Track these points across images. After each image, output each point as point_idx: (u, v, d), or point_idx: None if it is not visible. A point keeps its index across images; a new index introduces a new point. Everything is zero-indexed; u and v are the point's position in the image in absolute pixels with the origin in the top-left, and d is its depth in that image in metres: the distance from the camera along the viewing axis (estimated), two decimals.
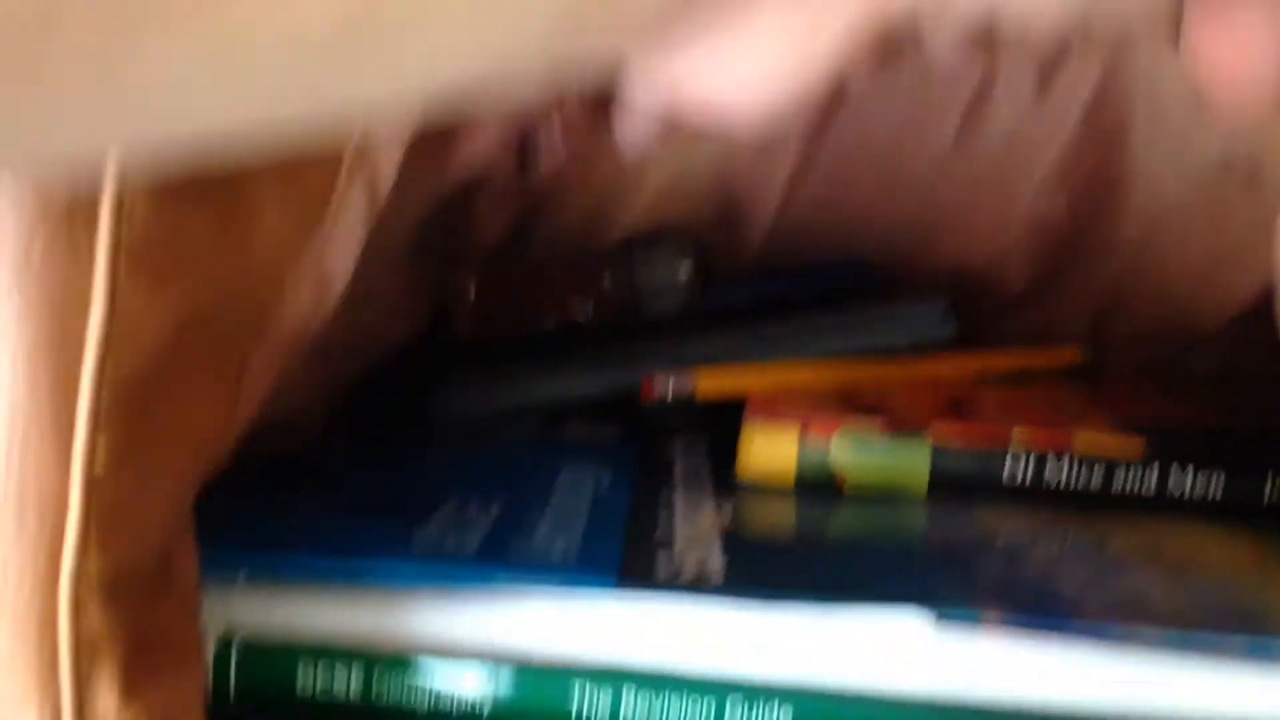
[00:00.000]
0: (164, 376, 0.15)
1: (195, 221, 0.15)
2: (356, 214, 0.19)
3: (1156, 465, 0.29)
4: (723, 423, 0.32)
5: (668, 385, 0.33)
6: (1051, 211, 0.39)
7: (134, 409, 0.15)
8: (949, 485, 0.30)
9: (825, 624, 0.22)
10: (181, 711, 0.16)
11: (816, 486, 0.30)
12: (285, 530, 0.24)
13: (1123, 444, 0.30)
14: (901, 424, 0.31)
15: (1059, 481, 0.30)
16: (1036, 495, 0.30)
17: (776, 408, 0.32)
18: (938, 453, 0.30)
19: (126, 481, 0.15)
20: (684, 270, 0.40)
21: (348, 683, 0.22)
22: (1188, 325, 0.41)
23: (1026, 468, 0.30)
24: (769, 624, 0.22)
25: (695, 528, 0.26)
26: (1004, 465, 0.30)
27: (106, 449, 0.14)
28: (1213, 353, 0.42)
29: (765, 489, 0.30)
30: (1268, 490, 0.29)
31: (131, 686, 0.15)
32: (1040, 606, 0.22)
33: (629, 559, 0.24)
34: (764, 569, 0.24)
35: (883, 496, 0.30)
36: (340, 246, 0.19)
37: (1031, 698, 0.21)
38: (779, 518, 0.28)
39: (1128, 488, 0.30)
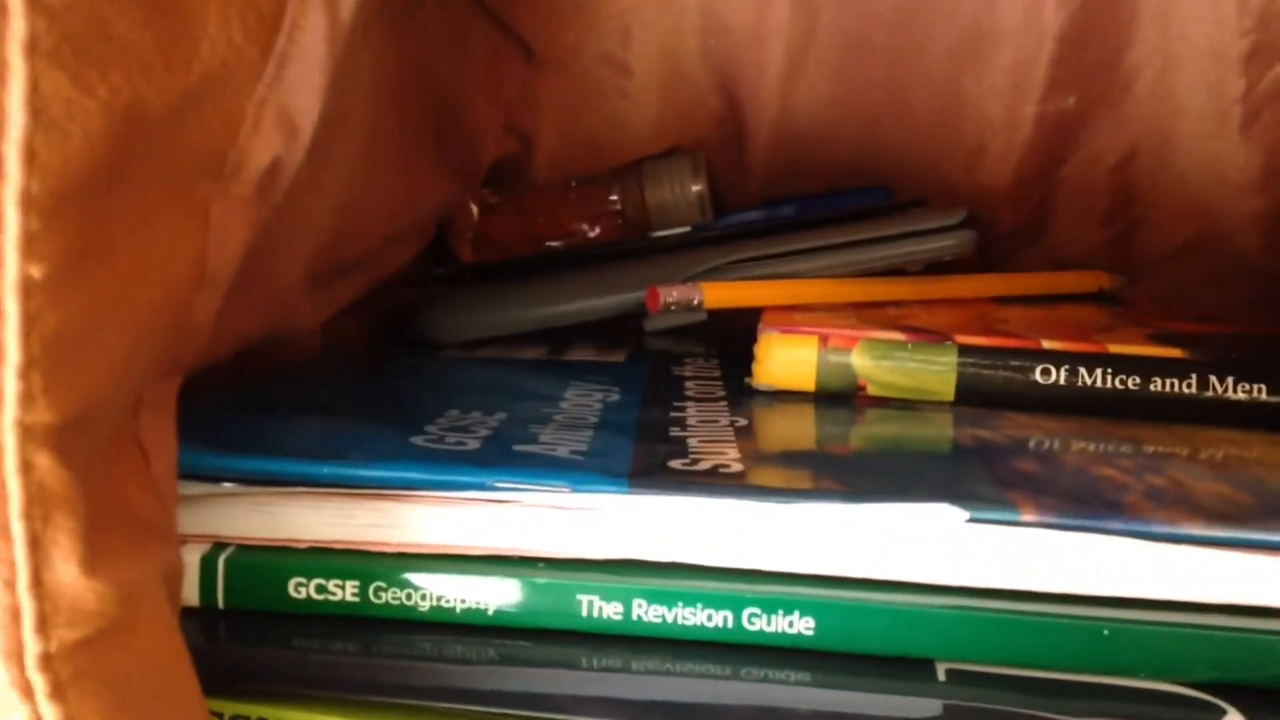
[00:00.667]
0: (110, 184, 0.13)
1: (118, 16, 0.13)
2: (315, 36, 0.17)
3: (1195, 373, 0.28)
4: (734, 344, 0.31)
5: (673, 296, 0.31)
6: (1062, 108, 0.37)
7: (78, 212, 0.13)
8: (977, 392, 0.28)
9: (851, 521, 0.20)
10: (149, 596, 0.15)
11: (837, 394, 0.29)
12: (279, 436, 0.22)
13: (1160, 351, 0.28)
14: (929, 333, 0.29)
15: (1095, 386, 0.28)
16: (1070, 402, 0.28)
17: (792, 321, 0.30)
18: (965, 358, 0.28)
19: (74, 310, 0.13)
20: (695, 186, 0.39)
21: (343, 590, 0.20)
22: (1210, 239, 0.39)
23: (1059, 373, 0.28)
24: (791, 522, 0.20)
25: (710, 431, 0.25)
26: (1035, 370, 0.28)
27: (46, 253, 0.12)
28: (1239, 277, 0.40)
29: (783, 397, 0.28)
30: None
31: (93, 558, 0.13)
32: (1078, 504, 0.21)
33: (640, 458, 0.22)
34: (784, 469, 0.22)
35: (907, 404, 0.28)
36: (301, 75, 0.17)
37: (1068, 589, 0.20)
38: (799, 422, 0.26)
39: (1168, 391, 0.28)
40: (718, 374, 0.31)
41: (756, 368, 0.29)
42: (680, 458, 0.22)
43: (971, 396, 0.28)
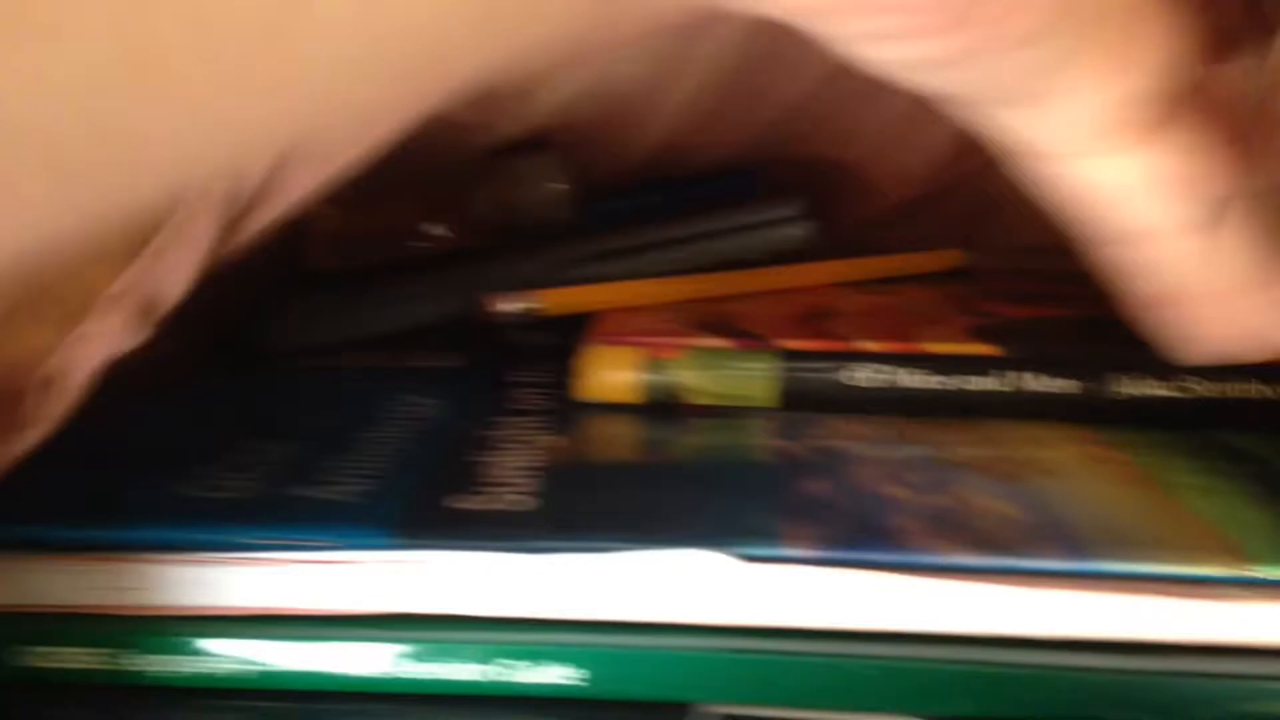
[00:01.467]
0: None
1: None
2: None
3: (1006, 369, 0.27)
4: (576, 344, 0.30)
5: (508, 304, 0.31)
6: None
7: None
8: (799, 397, 0.28)
9: (613, 568, 0.20)
10: None
11: (661, 405, 0.28)
12: (18, 494, 0.21)
13: (975, 350, 0.28)
14: (752, 338, 0.28)
15: (910, 387, 0.28)
16: (887, 403, 0.28)
17: (618, 328, 0.29)
18: (786, 365, 0.28)
19: None
20: (561, 182, 0.37)
21: (91, 658, 0.20)
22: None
23: (875, 375, 0.28)
24: (553, 571, 0.20)
25: (516, 456, 0.24)
26: (851, 373, 0.28)
27: None
28: None
29: (608, 410, 0.28)
30: (1117, 390, 0.27)
31: None
32: (848, 535, 0.20)
33: (420, 500, 0.22)
34: (573, 504, 0.22)
35: (730, 412, 0.28)
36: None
37: (847, 622, 0.20)
38: (606, 445, 0.26)
39: (980, 389, 0.27)
40: (553, 381, 0.30)
41: (579, 382, 0.28)
42: (467, 493, 0.22)
43: (794, 402, 0.28)
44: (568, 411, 0.28)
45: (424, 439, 0.25)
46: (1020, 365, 0.27)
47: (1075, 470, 0.24)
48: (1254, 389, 0.26)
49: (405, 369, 0.31)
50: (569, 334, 0.30)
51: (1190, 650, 0.19)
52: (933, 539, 0.20)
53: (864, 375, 0.28)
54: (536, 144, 0.38)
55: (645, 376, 0.28)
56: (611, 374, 0.28)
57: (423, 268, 0.33)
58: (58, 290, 0.23)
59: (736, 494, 0.22)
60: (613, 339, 0.28)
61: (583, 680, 0.20)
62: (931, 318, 0.31)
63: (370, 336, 0.32)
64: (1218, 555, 0.20)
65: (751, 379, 0.28)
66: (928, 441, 0.25)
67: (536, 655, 0.20)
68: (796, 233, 0.35)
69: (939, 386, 0.28)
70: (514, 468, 0.23)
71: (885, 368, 0.28)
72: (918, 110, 0.37)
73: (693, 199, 0.37)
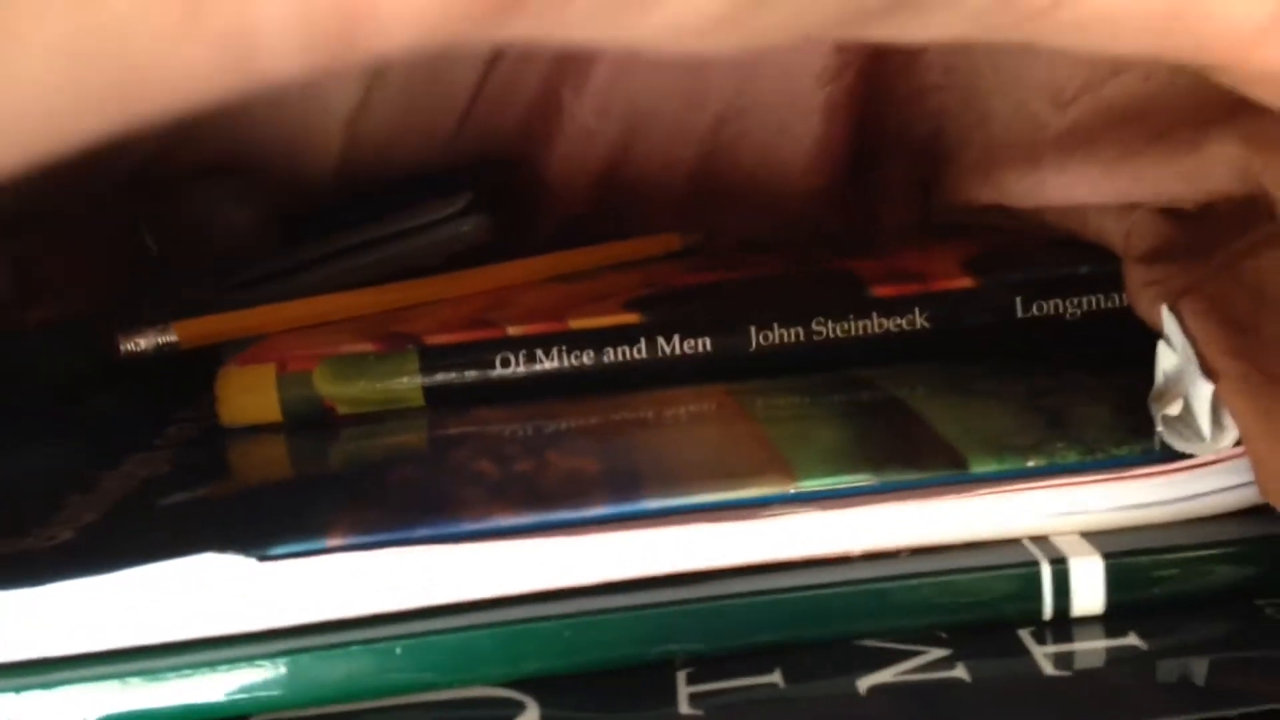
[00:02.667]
0: None
1: None
2: None
3: (644, 338, 0.26)
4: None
5: (139, 341, 0.29)
6: None
7: None
8: (446, 393, 0.26)
9: (133, 587, 0.18)
10: None
11: (308, 420, 0.26)
12: None
13: (618, 320, 0.27)
14: (396, 340, 0.27)
15: (554, 366, 0.26)
16: (535, 386, 0.26)
17: (263, 348, 0.28)
18: (427, 362, 0.27)
19: None
20: (245, 208, 0.36)
21: None
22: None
23: (519, 359, 0.26)
24: (58, 604, 0.18)
25: (108, 495, 0.22)
26: (495, 361, 0.26)
27: None
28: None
29: (250, 433, 0.26)
30: (753, 344, 0.26)
31: None
32: (392, 516, 0.19)
33: None
34: (124, 533, 0.20)
35: (377, 417, 0.26)
36: None
37: (373, 610, 0.18)
38: (216, 466, 0.24)
39: (621, 359, 0.26)
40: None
41: (219, 406, 0.27)
42: (15, 535, 0.20)
43: (442, 398, 0.27)
44: (207, 440, 0.26)
45: (17, 488, 0.23)
46: (656, 330, 0.26)
47: (678, 420, 0.22)
48: (876, 323, 0.26)
49: (71, 416, 0.29)
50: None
51: (750, 572, 0.18)
52: (489, 505, 0.19)
53: (508, 361, 0.27)
54: (217, 171, 0.36)
55: (283, 393, 0.26)
56: (247, 396, 0.26)
57: (67, 315, 0.31)
58: None
59: (309, 500, 0.21)
60: (246, 359, 0.27)
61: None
62: (600, 298, 0.30)
63: (23, 388, 0.30)
64: (767, 477, 0.19)
65: (393, 381, 0.27)
66: (557, 417, 0.24)
67: (56, 685, 0.18)
68: (465, 229, 0.33)
69: (582, 363, 0.26)
70: (93, 504, 0.22)
71: (528, 350, 0.27)
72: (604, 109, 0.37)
73: (387, 211, 0.35)
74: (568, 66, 0.33)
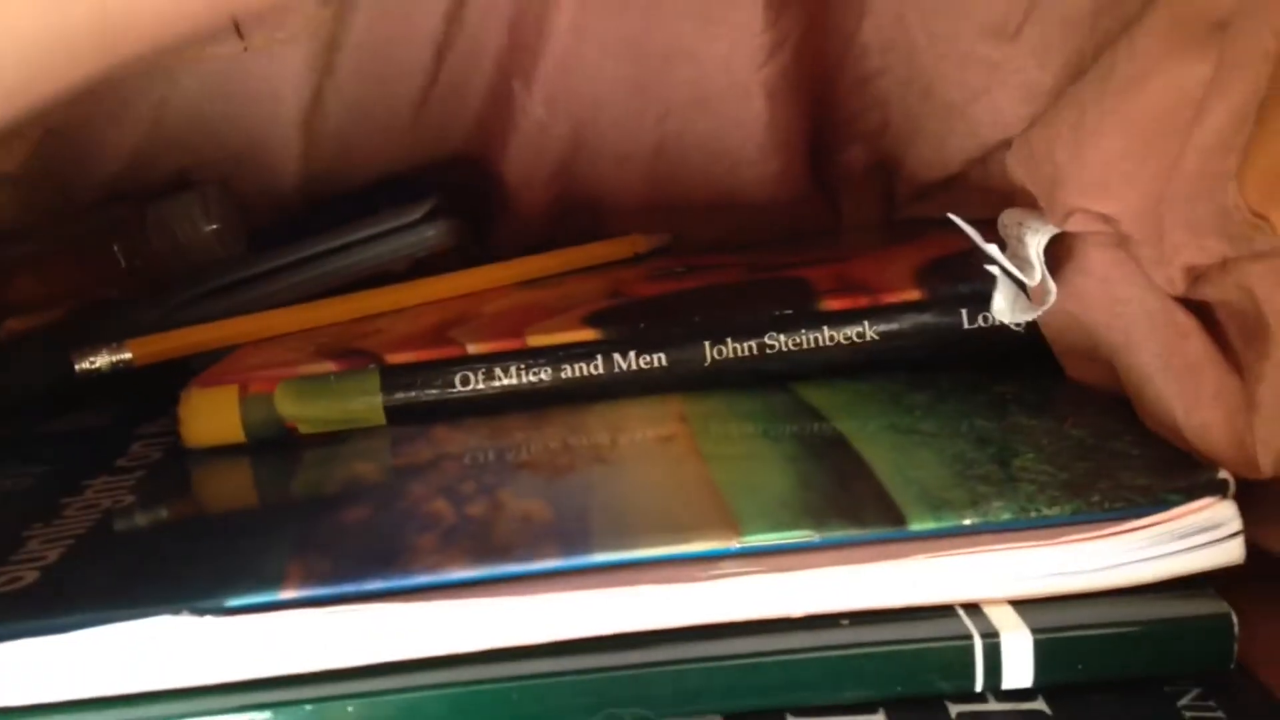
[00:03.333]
0: None
1: None
2: None
3: (600, 353, 0.26)
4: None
5: (93, 360, 0.28)
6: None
7: None
8: (407, 411, 0.26)
9: (88, 642, 0.18)
10: None
11: (270, 440, 0.26)
12: None
13: (575, 336, 0.27)
14: (358, 358, 0.27)
15: (513, 383, 0.26)
16: (494, 402, 0.26)
17: (227, 368, 0.28)
18: (388, 381, 0.26)
19: None
20: (208, 221, 0.35)
21: None
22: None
23: (478, 377, 0.26)
24: (24, 653, 0.18)
25: (70, 522, 0.22)
26: (455, 379, 0.26)
27: None
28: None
29: (212, 455, 0.26)
30: (707, 359, 0.26)
31: None
32: (348, 565, 0.19)
33: None
34: (76, 576, 0.20)
35: (338, 437, 0.26)
36: None
37: (329, 664, 0.18)
38: (176, 494, 0.24)
39: (579, 375, 0.26)
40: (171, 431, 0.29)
41: (181, 428, 0.26)
42: None
43: (403, 416, 0.27)
44: (170, 463, 0.26)
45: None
46: (613, 347, 0.26)
47: (630, 455, 0.23)
48: (827, 336, 0.26)
49: (34, 437, 0.29)
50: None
51: (694, 634, 0.18)
52: (438, 555, 0.19)
53: (467, 380, 0.26)
54: (184, 184, 0.36)
55: (245, 415, 0.26)
56: (210, 418, 0.26)
57: (27, 333, 0.30)
58: None
59: (265, 537, 0.21)
60: (209, 381, 0.27)
61: None
62: (561, 309, 0.30)
63: None
64: (712, 530, 0.19)
65: (354, 402, 0.26)
66: (514, 440, 0.24)
67: None
68: (430, 235, 0.33)
69: (540, 379, 0.26)
70: (56, 539, 0.22)
71: (486, 368, 0.26)
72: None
73: (351, 217, 0.35)
74: (516, 56, 0.32)
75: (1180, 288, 0.20)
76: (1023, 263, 0.23)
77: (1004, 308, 0.22)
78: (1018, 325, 0.24)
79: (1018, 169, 0.25)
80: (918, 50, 0.31)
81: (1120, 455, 0.19)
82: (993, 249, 0.24)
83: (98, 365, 0.28)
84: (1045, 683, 0.16)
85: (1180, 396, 0.20)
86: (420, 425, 0.26)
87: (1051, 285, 0.22)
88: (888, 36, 0.32)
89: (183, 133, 0.33)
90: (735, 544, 0.18)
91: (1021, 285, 0.24)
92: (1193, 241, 0.19)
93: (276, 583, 0.19)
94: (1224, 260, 0.19)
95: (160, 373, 0.30)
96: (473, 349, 0.27)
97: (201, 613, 0.18)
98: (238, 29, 0.29)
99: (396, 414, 0.27)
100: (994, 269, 0.24)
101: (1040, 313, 0.23)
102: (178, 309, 0.31)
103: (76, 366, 0.28)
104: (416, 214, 0.32)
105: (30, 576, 0.20)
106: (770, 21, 0.31)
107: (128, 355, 0.28)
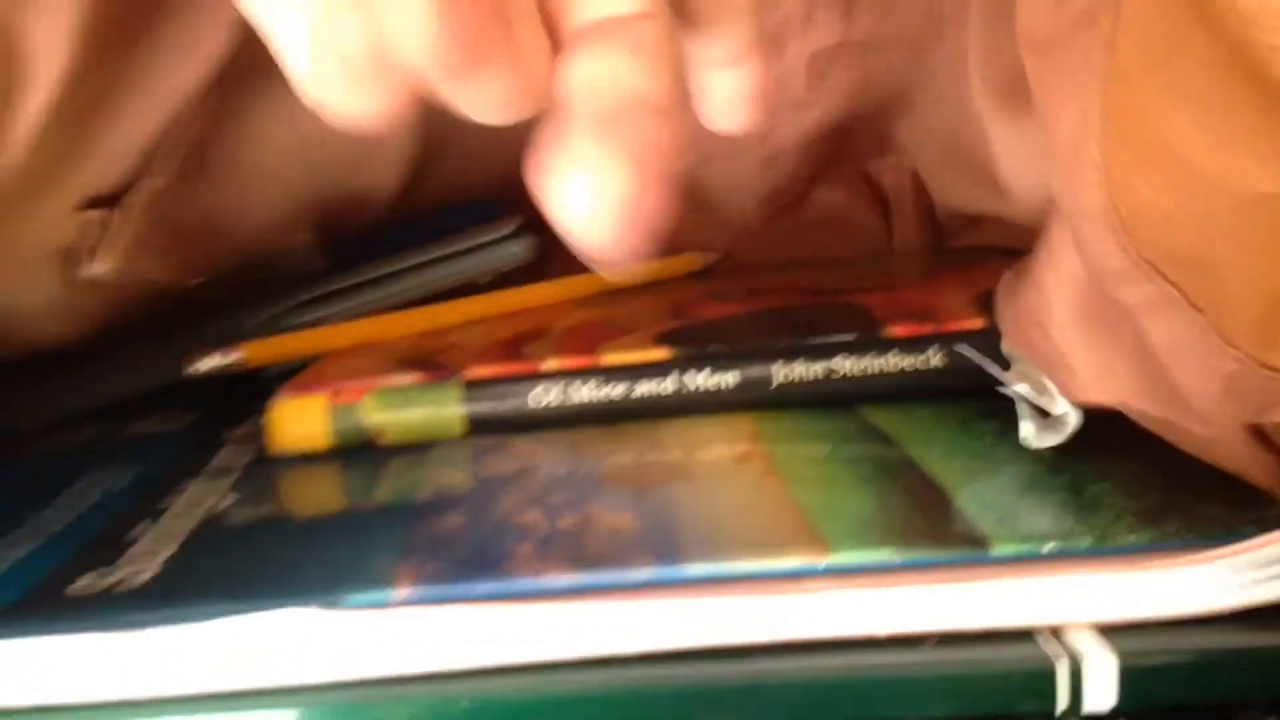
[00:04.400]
0: None
1: None
2: None
3: (673, 372, 0.27)
4: None
5: (209, 362, 0.29)
6: None
7: None
8: (487, 423, 0.27)
9: (219, 635, 0.19)
10: None
11: (356, 448, 0.27)
12: None
13: (648, 355, 0.27)
14: (440, 370, 0.28)
15: (587, 401, 0.27)
16: (569, 417, 0.27)
17: (314, 377, 0.28)
18: (469, 394, 0.27)
19: None
20: (301, 235, 0.36)
21: None
22: None
23: (554, 393, 0.27)
24: (141, 649, 0.19)
25: (175, 524, 0.23)
26: (531, 394, 0.27)
27: None
28: None
29: (301, 461, 0.27)
30: (775, 378, 0.27)
31: None
32: (457, 569, 0.20)
33: (43, 586, 0.20)
34: (196, 573, 0.21)
35: (422, 446, 0.27)
36: None
37: (440, 667, 0.19)
38: (277, 498, 0.25)
39: (651, 395, 0.27)
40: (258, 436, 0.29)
41: (269, 435, 0.27)
42: (96, 572, 0.21)
43: (482, 428, 0.27)
44: (262, 467, 0.27)
45: (87, 517, 0.24)
46: (685, 365, 0.27)
47: (710, 472, 0.23)
48: (891, 362, 0.26)
49: (123, 439, 0.30)
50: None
51: (783, 650, 0.18)
52: (539, 563, 0.20)
53: (544, 394, 0.27)
54: None
55: (333, 423, 0.27)
56: (299, 425, 0.27)
57: (133, 336, 0.31)
58: None
59: (368, 540, 0.21)
60: (297, 390, 0.27)
61: None
62: (631, 327, 0.30)
63: (82, 412, 0.31)
64: (799, 546, 0.19)
65: (437, 412, 0.27)
66: (593, 454, 0.25)
67: None
68: (515, 250, 0.34)
69: (614, 396, 0.27)
70: (165, 537, 0.22)
71: (562, 384, 0.27)
72: None
73: (428, 233, 0.36)
74: None
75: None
76: (1042, 389, 0.23)
77: (1029, 434, 0.23)
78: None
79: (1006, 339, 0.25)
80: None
81: (1191, 486, 0.20)
82: (1016, 385, 0.24)
83: (209, 368, 0.29)
84: (1125, 707, 0.17)
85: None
86: (498, 437, 0.27)
87: (1073, 414, 0.22)
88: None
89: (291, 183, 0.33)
90: (823, 562, 0.19)
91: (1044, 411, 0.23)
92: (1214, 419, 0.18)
93: (389, 583, 0.19)
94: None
95: (239, 381, 0.31)
96: (548, 365, 0.27)
97: (328, 607, 0.19)
98: None
99: (476, 425, 0.27)
100: (1016, 398, 0.24)
101: (1066, 437, 0.22)
102: (280, 315, 0.32)
103: (187, 368, 0.28)
104: (506, 230, 0.33)
105: (147, 574, 0.21)
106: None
107: (241, 357, 0.29)
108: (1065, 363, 0.22)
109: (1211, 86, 0.14)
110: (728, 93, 0.17)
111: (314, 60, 0.13)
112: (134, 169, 0.24)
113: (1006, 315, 0.25)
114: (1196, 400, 0.18)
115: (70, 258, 0.25)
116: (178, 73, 0.23)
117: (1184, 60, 0.14)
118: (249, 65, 0.21)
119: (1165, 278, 0.16)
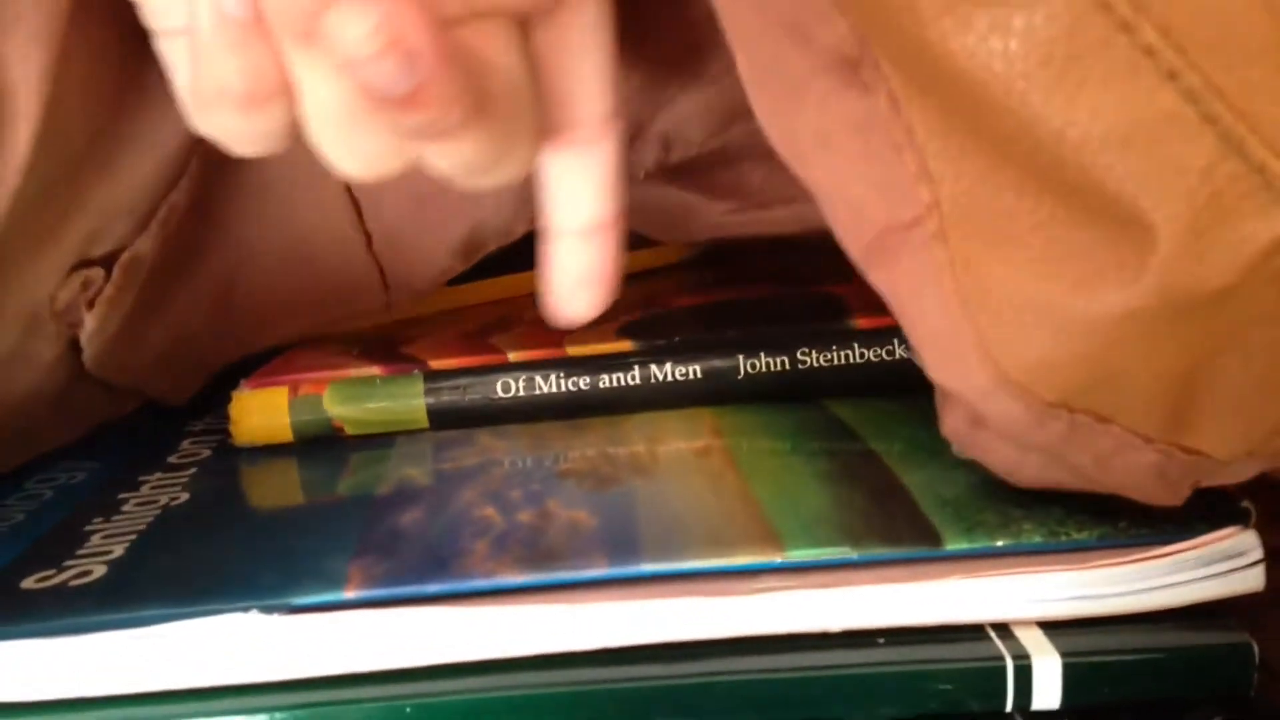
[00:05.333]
0: None
1: None
2: None
3: (636, 364, 0.27)
4: None
5: None
6: None
7: None
8: (449, 415, 0.27)
9: (163, 637, 0.18)
10: None
11: (318, 439, 0.27)
12: None
13: (613, 348, 0.27)
14: (403, 363, 0.27)
15: (551, 391, 0.27)
16: (532, 409, 0.27)
17: (274, 369, 0.28)
18: (431, 385, 0.27)
19: None
20: None
21: None
22: None
23: (518, 384, 0.27)
24: (81, 651, 0.18)
25: (130, 518, 0.23)
26: (496, 385, 0.27)
27: None
28: None
29: (263, 453, 0.27)
30: (741, 372, 0.26)
31: None
32: (409, 567, 0.19)
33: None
34: (144, 571, 0.20)
35: (384, 439, 0.27)
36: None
37: (387, 665, 0.19)
38: (234, 491, 0.25)
39: (615, 385, 0.27)
40: (222, 427, 0.29)
41: (233, 427, 0.27)
42: (51, 569, 0.20)
43: (444, 420, 0.27)
44: (221, 461, 0.26)
45: (44, 511, 0.24)
46: (649, 358, 0.27)
47: (669, 467, 0.23)
48: (857, 353, 0.26)
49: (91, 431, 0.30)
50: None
51: (736, 646, 0.18)
52: (491, 561, 0.19)
53: (508, 386, 0.27)
54: None
55: (294, 415, 0.27)
56: (261, 417, 0.27)
57: None
58: None
59: (322, 537, 0.21)
60: (259, 382, 0.27)
61: None
62: (597, 318, 0.30)
63: None
64: (754, 544, 0.19)
65: (400, 404, 0.27)
66: (554, 448, 0.25)
67: None
68: None
69: (578, 388, 0.27)
70: (118, 534, 0.22)
71: (526, 376, 0.27)
72: None
73: None
74: None
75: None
76: None
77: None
78: None
79: None
80: None
81: None
82: None
83: None
84: (1072, 705, 0.17)
85: None
86: (462, 430, 0.27)
87: None
88: None
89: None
90: (778, 559, 0.19)
91: None
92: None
93: (340, 583, 0.19)
94: None
95: None
96: (513, 356, 0.27)
97: (270, 611, 0.19)
98: None
99: (438, 417, 0.27)
100: None
101: None
102: None
103: None
104: None
105: (98, 571, 0.20)
106: None
107: None
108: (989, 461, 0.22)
109: (1050, 237, 0.15)
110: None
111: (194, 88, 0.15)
112: (125, 232, 0.24)
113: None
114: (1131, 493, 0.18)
115: (68, 321, 0.25)
116: (164, 126, 0.23)
117: (1015, 227, 0.15)
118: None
119: (1071, 409, 0.16)
